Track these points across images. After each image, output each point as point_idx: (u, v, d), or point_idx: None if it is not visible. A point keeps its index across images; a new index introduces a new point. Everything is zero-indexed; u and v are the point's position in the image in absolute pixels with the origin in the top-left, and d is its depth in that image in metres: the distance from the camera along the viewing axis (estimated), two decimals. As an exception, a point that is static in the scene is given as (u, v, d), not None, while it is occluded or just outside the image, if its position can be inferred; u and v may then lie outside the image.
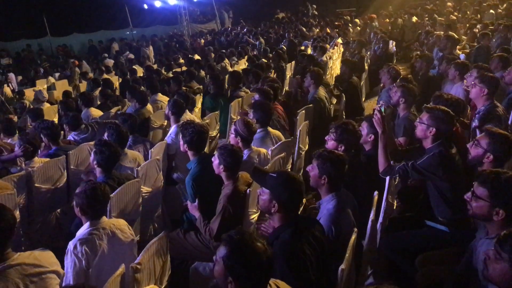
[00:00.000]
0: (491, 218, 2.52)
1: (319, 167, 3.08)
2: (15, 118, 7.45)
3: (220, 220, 3.44)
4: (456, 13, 16.16)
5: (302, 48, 13.10)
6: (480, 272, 2.39)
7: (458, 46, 10.10)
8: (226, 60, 11.86)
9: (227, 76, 8.20)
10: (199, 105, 7.42)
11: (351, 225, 2.95)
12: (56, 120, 7.29)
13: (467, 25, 12.55)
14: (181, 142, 4.10)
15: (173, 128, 5.22)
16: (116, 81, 10.80)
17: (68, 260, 2.87)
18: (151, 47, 18.00)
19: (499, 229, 2.48)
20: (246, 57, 12.51)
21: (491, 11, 15.12)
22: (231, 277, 2.03)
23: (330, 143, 3.83)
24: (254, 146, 4.39)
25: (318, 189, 3.16)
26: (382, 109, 3.61)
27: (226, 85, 8.02)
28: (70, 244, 2.90)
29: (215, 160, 3.60)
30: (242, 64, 11.66)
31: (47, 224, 4.52)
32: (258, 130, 4.61)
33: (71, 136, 5.69)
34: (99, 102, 7.85)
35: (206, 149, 4.65)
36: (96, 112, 6.84)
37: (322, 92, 6.52)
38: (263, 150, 4.40)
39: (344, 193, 3.13)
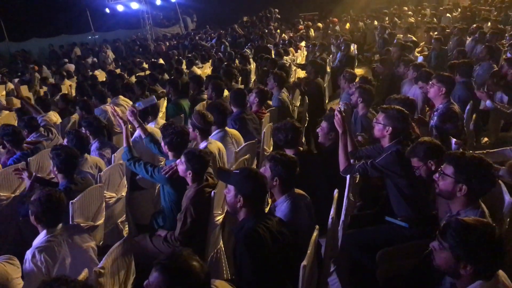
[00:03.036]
0: (455, 194, 2.70)
1: (271, 169, 3.17)
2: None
3: (182, 221, 3.47)
4: (414, 17, 16.66)
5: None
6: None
7: (417, 49, 10.46)
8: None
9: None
10: (163, 109, 7.37)
11: (307, 224, 3.03)
12: (15, 126, 7.09)
13: (425, 28, 12.97)
14: (163, 143, 4.11)
15: (137, 132, 5.18)
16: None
17: (27, 270, 2.82)
18: (110, 51, 17.67)
19: (461, 206, 2.70)
20: (210, 61, 12.51)
21: (448, 14, 15.67)
22: None
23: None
24: (212, 139, 4.42)
25: (271, 190, 3.24)
26: (342, 110, 3.71)
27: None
28: (28, 254, 2.85)
29: (181, 165, 3.59)
30: (206, 68, 11.64)
31: (7, 232, 4.40)
32: (216, 131, 4.69)
33: (30, 139, 5.55)
34: (59, 108, 7.68)
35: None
36: (55, 117, 6.71)
37: (285, 94, 6.60)
38: (220, 145, 4.44)
39: (296, 193, 3.22)
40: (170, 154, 4.06)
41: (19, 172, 4.16)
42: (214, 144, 4.34)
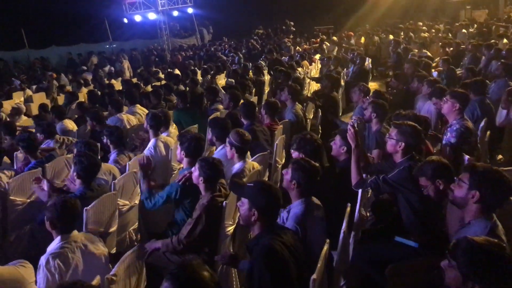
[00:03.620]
0: (468, 201, 2.72)
1: (292, 172, 3.24)
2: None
3: (191, 226, 3.49)
4: (428, 32, 16.64)
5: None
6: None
7: (432, 64, 10.44)
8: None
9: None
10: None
11: (318, 231, 3.07)
12: (33, 133, 7.22)
13: (440, 44, 12.94)
14: (179, 150, 4.17)
15: (151, 142, 5.25)
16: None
17: (40, 275, 2.85)
18: (127, 61, 17.84)
19: (474, 215, 2.72)
20: (225, 72, 12.61)
21: (463, 30, 15.62)
22: None
23: (294, 154, 4.05)
24: (248, 160, 4.40)
25: (289, 193, 3.30)
26: (355, 124, 3.73)
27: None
28: (42, 259, 2.89)
29: (195, 172, 3.64)
30: (221, 79, 11.73)
31: (21, 236, 4.47)
32: (219, 147, 4.70)
33: (45, 146, 5.63)
34: (76, 116, 7.81)
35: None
36: (71, 125, 6.81)
37: (298, 107, 6.63)
38: (255, 164, 4.44)
39: (313, 201, 3.25)
40: (185, 161, 4.12)
41: (38, 180, 4.21)
42: (249, 164, 4.33)
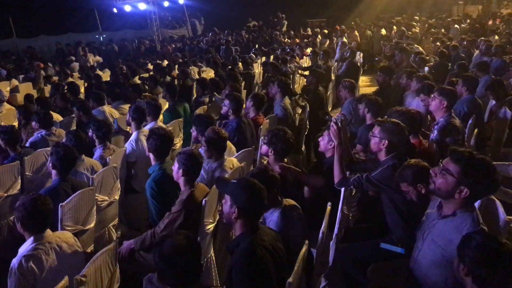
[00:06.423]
0: (453, 195, 2.60)
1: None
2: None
3: (169, 220, 3.42)
4: (420, 27, 16.57)
5: (271, 57, 13.16)
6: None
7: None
8: (193, 68, 11.78)
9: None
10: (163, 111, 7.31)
11: (299, 235, 2.96)
12: (15, 123, 7.07)
13: (431, 38, 12.89)
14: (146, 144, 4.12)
15: (133, 135, 5.13)
16: (82, 85, 10.58)
17: (12, 278, 2.72)
18: (92, 55, 17.44)
19: (456, 207, 2.62)
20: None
21: (456, 26, 15.59)
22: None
23: (263, 148, 4.02)
24: (226, 156, 4.30)
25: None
26: (339, 121, 3.64)
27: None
28: (14, 262, 2.75)
29: (175, 166, 3.58)
30: (211, 71, 11.60)
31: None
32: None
33: (37, 134, 5.52)
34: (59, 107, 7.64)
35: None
36: (56, 116, 6.66)
37: (287, 101, 6.53)
38: (234, 161, 4.35)
39: (287, 204, 3.17)
40: (151, 157, 4.07)
41: None
42: (229, 162, 4.24)
